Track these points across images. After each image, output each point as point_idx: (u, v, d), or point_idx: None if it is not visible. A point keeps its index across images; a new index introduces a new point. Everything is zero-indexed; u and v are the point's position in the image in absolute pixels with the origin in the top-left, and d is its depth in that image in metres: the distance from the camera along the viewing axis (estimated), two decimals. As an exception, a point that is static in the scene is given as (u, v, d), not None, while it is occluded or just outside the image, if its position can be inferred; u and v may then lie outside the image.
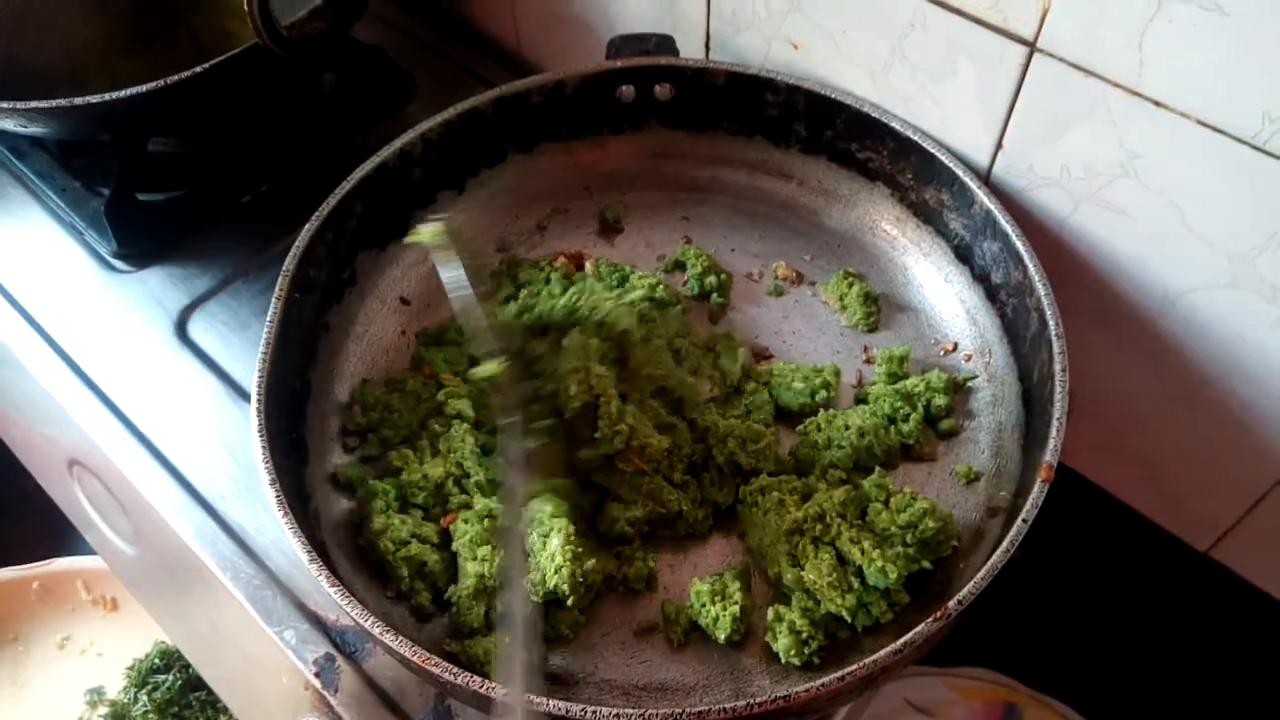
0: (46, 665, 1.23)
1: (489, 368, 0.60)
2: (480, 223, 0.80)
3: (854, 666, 0.50)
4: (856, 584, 0.59)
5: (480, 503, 0.64)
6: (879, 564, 0.58)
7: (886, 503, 0.62)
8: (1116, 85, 0.58)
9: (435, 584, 0.62)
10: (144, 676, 1.18)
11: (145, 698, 1.15)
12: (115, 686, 1.20)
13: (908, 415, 0.67)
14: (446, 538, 0.64)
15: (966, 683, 0.71)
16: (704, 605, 0.60)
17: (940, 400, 0.67)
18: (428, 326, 0.75)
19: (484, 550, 0.61)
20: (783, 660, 0.58)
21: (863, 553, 0.59)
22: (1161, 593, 0.74)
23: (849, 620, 0.59)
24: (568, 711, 0.48)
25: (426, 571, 0.62)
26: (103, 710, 1.19)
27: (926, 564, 0.60)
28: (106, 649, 1.24)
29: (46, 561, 1.24)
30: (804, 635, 0.58)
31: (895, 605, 0.59)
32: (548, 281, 0.76)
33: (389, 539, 0.62)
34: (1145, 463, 0.73)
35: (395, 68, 0.97)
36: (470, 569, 0.60)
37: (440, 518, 0.65)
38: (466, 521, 0.63)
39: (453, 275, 0.60)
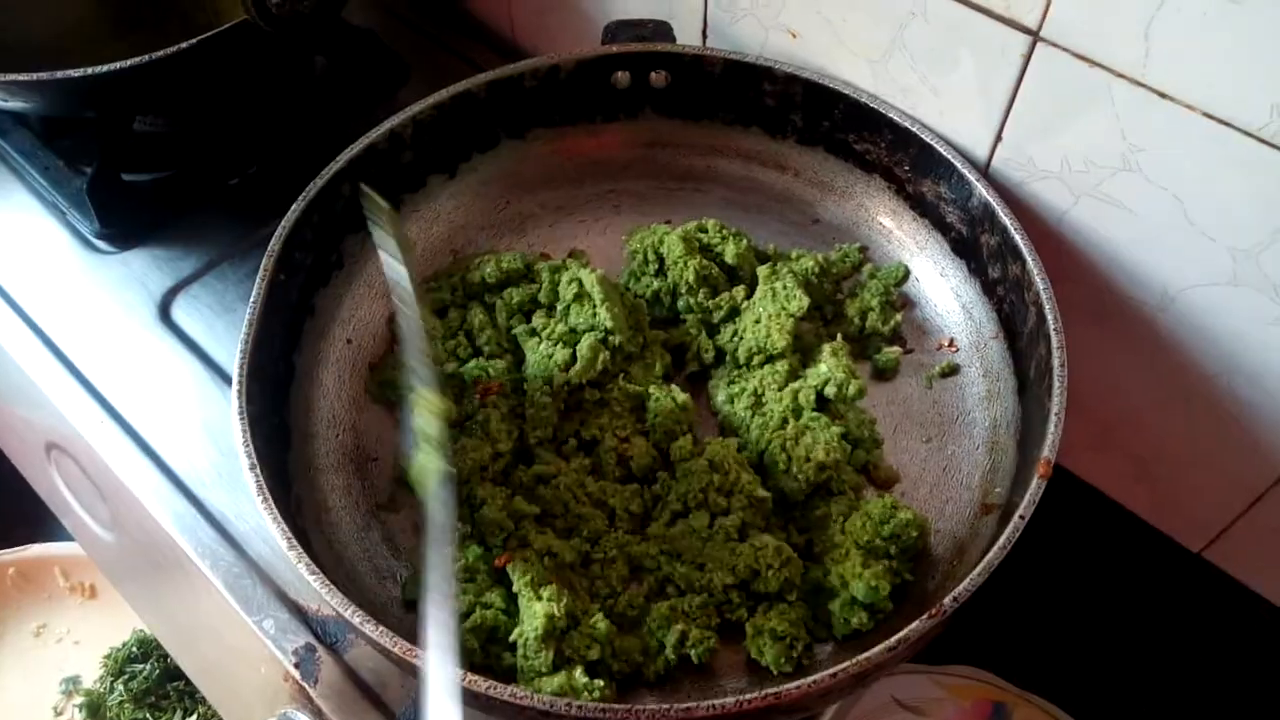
0: (22, 653, 1.22)
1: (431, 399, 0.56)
2: (472, 208, 0.78)
3: (846, 664, 0.48)
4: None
5: (539, 540, 0.60)
6: (870, 581, 0.57)
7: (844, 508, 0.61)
8: (1121, 76, 0.57)
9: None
10: (121, 665, 1.16)
11: (122, 687, 1.14)
12: (92, 675, 1.19)
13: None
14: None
15: (955, 681, 0.70)
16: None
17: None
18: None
19: (549, 590, 0.57)
20: (775, 671, 0.57)
21: (853, 569, 0.58)
22: (1153, 594, 0.73)
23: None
24: (552, 706, 0.47)
25: None
26: (79, 700, 1.17)
27: (908, 575, 0.59)
28: (84, 637, 1.22)
29: (23, 547, 1.22)
30: (788, 639, 0.57)
31: (878, 614, 0.58)
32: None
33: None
34: (1140, 462, 0.73)
35: (388, 52, 0.96)
36: (539, 609, 0.56)
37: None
38: (528, 560, 0.59)
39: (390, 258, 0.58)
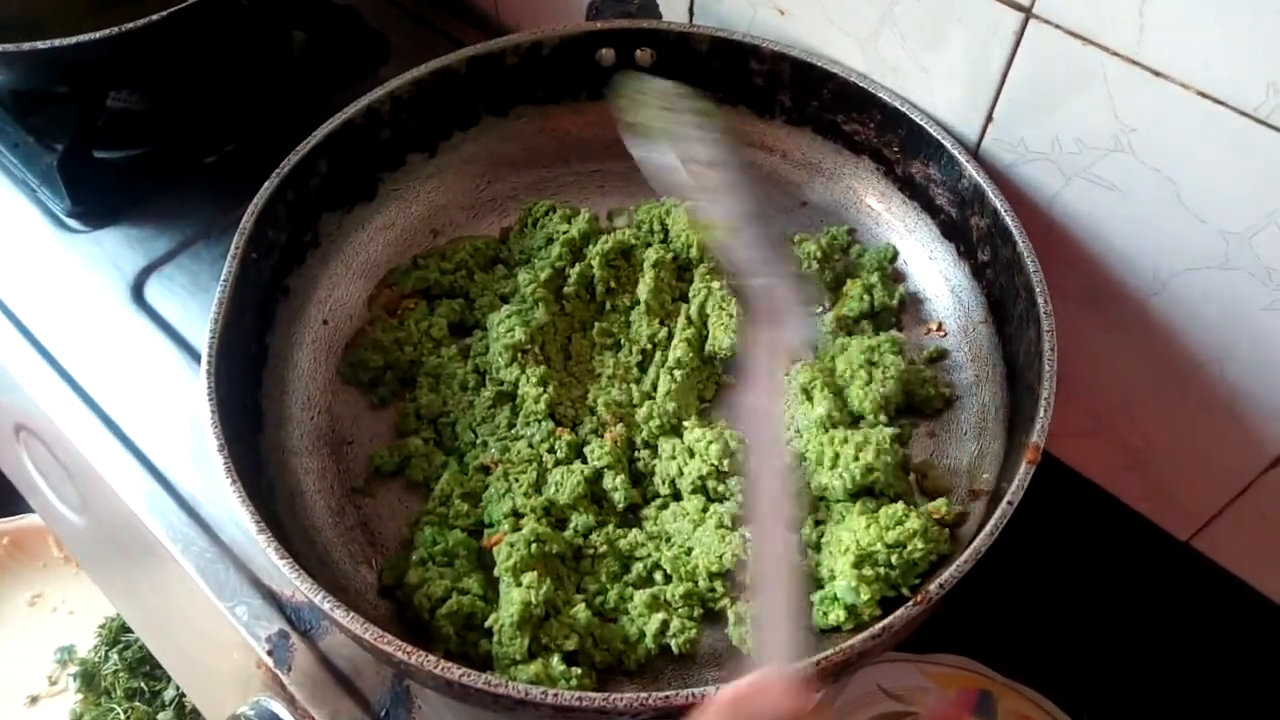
0: (16, 623, 1.21)
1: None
2: (453, 187, 0.77)
3: (829, 651, 0.47)
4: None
5: (529, 526, 0.59)
6: (853, 583, 0.54)
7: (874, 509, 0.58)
8: (1115, 54, 0.55)
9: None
10: (115, 635, 1.16)
11: (116, 656, 1.14)
12: (86, 645, 1.18)
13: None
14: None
15: (941, 669, 0.69)
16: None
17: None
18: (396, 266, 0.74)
19: (529, 576, 0.56)
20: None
21: (843, 566, 0.55)
22: (1139, 582, 0.73)
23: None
24: (528, 694, 0.46)
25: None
26: (73, 669, 1.17)
27: (906, 591, 0.55)
28: (78, 606, 1.22)
29: (17, 516, 1.21)
30: None
31: (859, 616, 0.55)
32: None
33: (424, 594, 0.57)
34: (1129, 449, 0.72)
35: (368, 28, 0.94)
36: (516, 596, 0.55)
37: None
38: (514, 545, 0.58)
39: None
